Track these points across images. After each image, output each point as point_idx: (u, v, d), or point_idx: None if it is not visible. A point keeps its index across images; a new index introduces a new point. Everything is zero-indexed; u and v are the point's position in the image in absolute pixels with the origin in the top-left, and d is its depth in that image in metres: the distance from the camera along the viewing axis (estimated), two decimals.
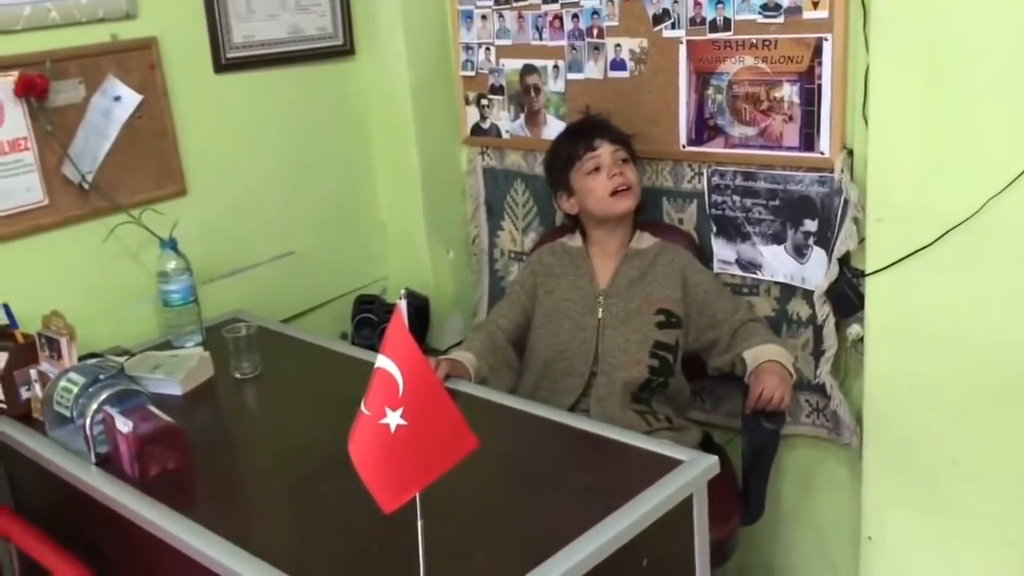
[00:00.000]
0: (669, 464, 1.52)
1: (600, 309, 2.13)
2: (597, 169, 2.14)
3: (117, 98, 2.18)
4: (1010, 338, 1.82)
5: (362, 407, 1.16)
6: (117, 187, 2.20)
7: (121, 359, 1.99)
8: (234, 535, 1.45)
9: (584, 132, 2.21)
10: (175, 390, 1.96)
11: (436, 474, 1.16)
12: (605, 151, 2.14)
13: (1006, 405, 1.85)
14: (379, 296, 2.72)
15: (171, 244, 2.18)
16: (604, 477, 1.56)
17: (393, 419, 1.14)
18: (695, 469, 1.51)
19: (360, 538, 1.44)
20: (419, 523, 1.20)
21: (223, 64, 2.39)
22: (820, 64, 2.02)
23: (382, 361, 1.15)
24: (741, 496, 2.06)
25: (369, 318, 2.60)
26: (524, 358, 2.21)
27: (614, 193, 2.12)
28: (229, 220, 2.46)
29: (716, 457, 1.54)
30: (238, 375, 2.04)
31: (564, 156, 2.21)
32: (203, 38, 2.36)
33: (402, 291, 1.16)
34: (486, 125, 2.68)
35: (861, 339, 2.05)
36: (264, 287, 2.54)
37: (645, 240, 2.21)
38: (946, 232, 1.82)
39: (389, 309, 2.63)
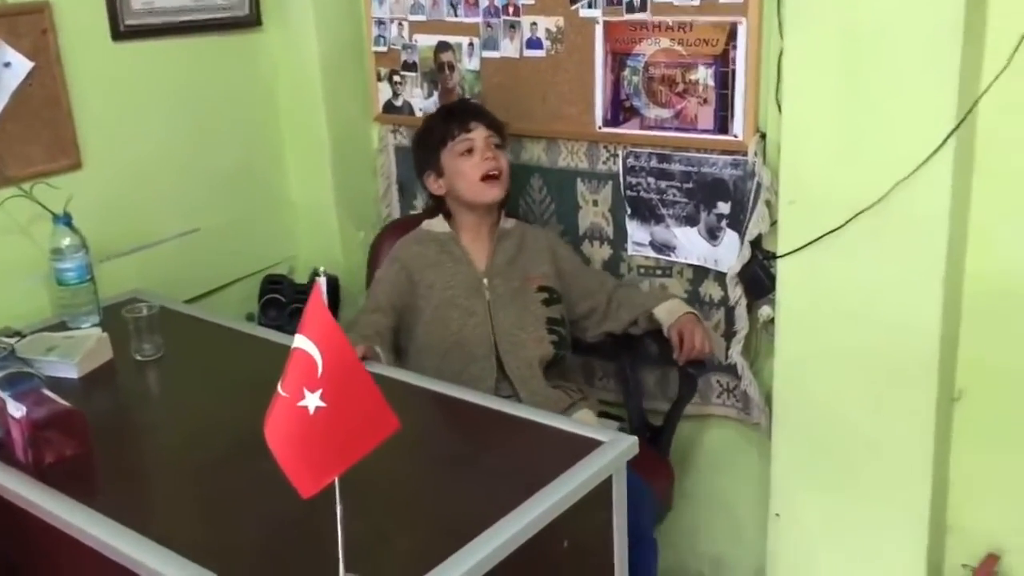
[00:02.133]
0: (589, 445, 1.51)
1: (486, 291, 2.11)
2: (470, 151, 2.12)
3: (7, 64, 2.06)
4: (913, 318, 1.86)
5: (279, 389, 1.11)
6: (7, 158, 2.08)
7: (11, 340, 1.88)
8: (138, 524, 1.38)
9: (459, 113, 2.19)
10: (71, 373, 1.86)
11: (356, 457, 1.12)
12: (479, 134, 2.13)
13: (910, 384, 1.90)
14: (287, 276, 2.64)
15: (65, 219, 2.07)
16: (524, 458, 1.55)
17: (312, 401, 1.09)
18: (614, 450, 1.50)
19: (273, 523, 1.39)
20: (338, 508, 1.16)
21: (121, 32, 2.28)
22: (735, 48, 2.04)
23: (300, 341, 1.10)
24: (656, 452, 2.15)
25: (277, 299, 2.52)
26: (409, 359, 2.12)
27: (485, 178, 2.10)
28: (128, 195, 2.35)
29: (635, 438, 1.54)
30: (139, 357, 1.95)
31: (437, 135, 2.17)
32: (100, 4, 2.24)
33: (320, 268, 1.11)
34: (399, 102, 2.62)
35: (772, 320, 2.09)
36: (166, 265, 2.44)
37: (508, 221, 2.22)
38: (855, 215, 1.86)
39: (298, 289, 2.56)
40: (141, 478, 1.61)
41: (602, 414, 2.20)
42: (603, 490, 1.49)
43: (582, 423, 1.67)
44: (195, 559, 1.28)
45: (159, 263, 2.43)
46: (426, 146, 2.20)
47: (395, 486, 1.45)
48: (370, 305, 2.12)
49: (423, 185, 2.24)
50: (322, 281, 1.10)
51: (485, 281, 2.12)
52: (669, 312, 2.08)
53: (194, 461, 1.62)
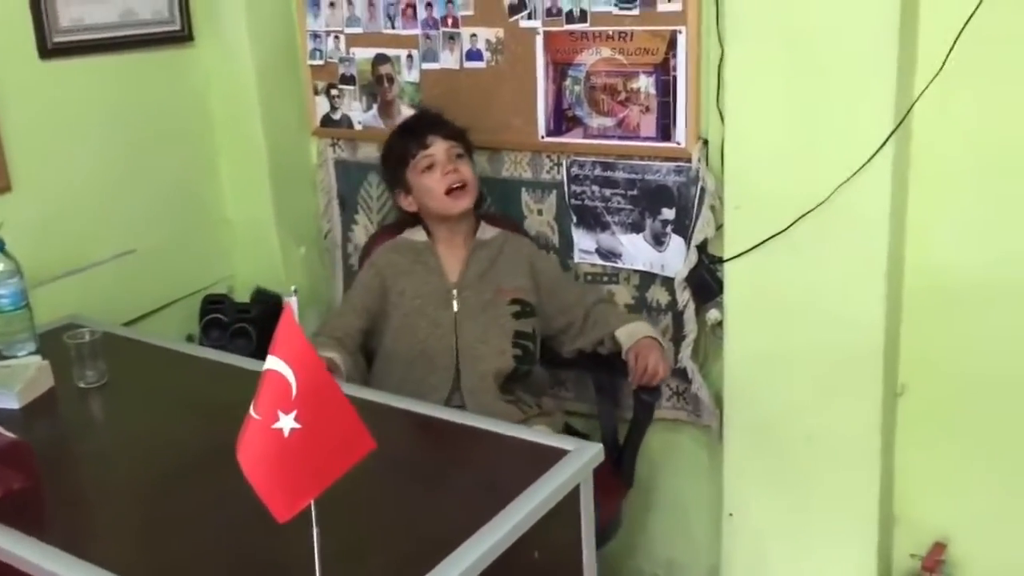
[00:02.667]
0: (555, 455, 1.51)
1: (455, 302, 2.11)
2: (431, 167, 2.11)
3: None
4: (858, 315, 1.92)
5: (251, 411, 1.09)
6: None
7: None
8: (94, 555, 1.33)
9: (416, 129, 2.18)
10: (11, 403, 1.79)
11: (332, 478, 1.11)
12: (439, 148, 2.12)
13: (856, 380, 1.96)
14: (228, 295, 2.59)
15: None
16: (491, 471, 1.54)
17: (287, 423, 1.07)
18: (581, 459, 1.50)
19: (236, 545, 1.36)
20: (314, 530, 1.14)
21: (49, 49, 2.21)
22: (675, 56, 2.07)
23: (272, 362, 1.08)
24: (614, 471, 2.12)
25: (218, 319, 2.47)
26: (376, 364, 2.13)
27: (449, 191, 2.10)
28: (61, 217, 2.27)
29: (600, 445, 1.54)
30: (82, 384, 1.88)
31: (398, 154, 2.17)
32: (26, 21, 2.17)
33: (293, 288, 1.09)
34: (337, 116, 2.60)
35: (720, 323, 2.12)
36: (102, 289, 2.36)
37: (488, 231, 2.21)
38: (800, 217, 1.90)
39: (240, 309, 2.51)
40: (93, 508, 1.55)
41: (567, 429, 2.19)
42: (571, 499, 1.49)
43: (545, 432, 1.67)
44: None
45: (95, 286, 2.35)
46: (390, 166, 2.20)
47: (364, 505, 1.42)
48: (344, 307, 2.17)
49: (395, 203, 2.24)
50: (293, 301, 1.08)
51: (455, 292, 2.11)
52: (629, 335, 2.05)
53: (148, 488, 1.56)
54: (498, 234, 2.21)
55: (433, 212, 2.14)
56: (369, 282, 2.15)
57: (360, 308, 2.11)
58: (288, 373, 1.07)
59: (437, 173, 2.10)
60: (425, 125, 2.18)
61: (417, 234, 2.20)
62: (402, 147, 2.16)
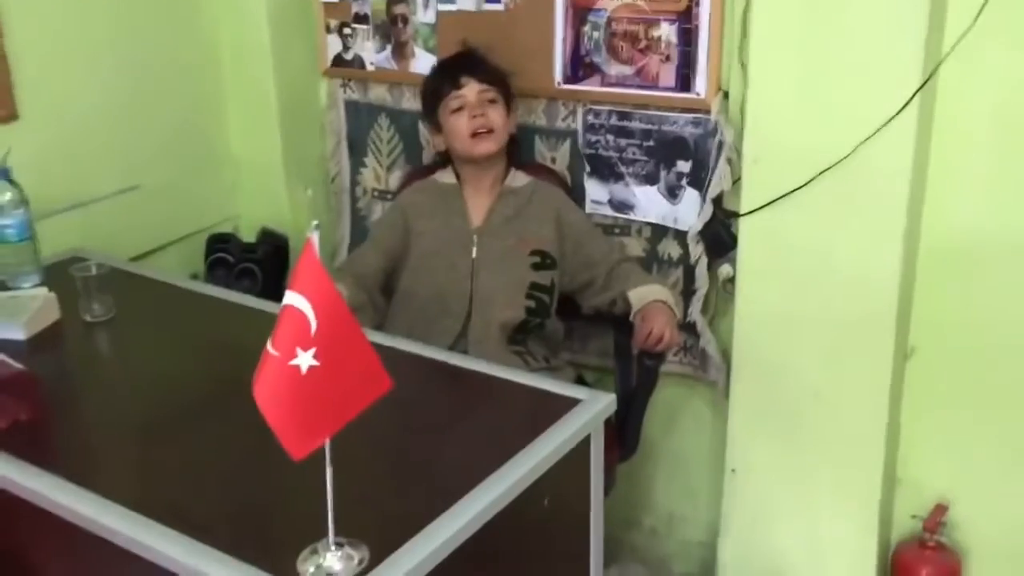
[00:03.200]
0: (567, 403, 1.50)
1: (474, 248, 2.08)
2: (460, 109, 2.08)
3: None
4: (872, 276, 1.90)
5: (268, 347, 1.07)
6: None
7: None
8: (103, 488, 1.33)
9: (452, 68, 2.14)
10: (18, 334, 1.78)
11: (348, 417, 1.09)
12: (471, 90, 2.08)
13: (867, 341, 1.94)
14: (234, 234, 2.57)
15: (3, 173, 1.96)
16: (503, 418, 1.54)
17: (305, 360, 1.05)
18: (593, 408, 1.50)
19: (248, 484, 1.36)
20: (328, 470, 1.13)
21: None
22: (698, 5, 2.03)
23: (291, 298, 1.05)
24: (617, 434, 2.09)
25: (224, 258, 2.45)
26: (393, 302, 2.13)
27: (475, 135, 2.07)
28: (66, 149, 2.24)
29: (612, 396, 1.53)
30: (88, 318, 1.87)
31: (432, 91, 2.15)
32: None
33: (315, 223, 1.07)
34: (349, 56, 2.55)
35: (731, 279, 2.10)
36: (106, 223, 2.33)
37: (520, 179, 2.17)
38: (819, 174, 1.87)
39: (246, 248, 2.49)
40: (104, 442, 1.54)
41: (579, 380, 2.15)
42: (582, 448, 1.48)
43: (559, 381, 1.65)
44: (171, 524, 1.24)
45: (99, 221, 2.32)
46: (425, 103, 2.18)
47: (376, 450, 1.42)
48: (367, 245, 2.17)
49: (429, 140, 2.23)
50: (315, 237, 1.05)
51: (475, 237, 2.08)
52: (640, 296, 1.98)
53: (155, 422, 1.55)
54: (529, 182, 2.16)
55: (459, 154, 2.12)
56: (393, 221, 2.15)
57: (382, 246, 2.11)
58: (308, 309, 1.05)
59: (465, 116, 2.07)
60: (462, 65, 2.14)
61: (447, 176, 2.17)
62: (436, 85, 2.13)
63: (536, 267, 2.08)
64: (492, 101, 2.10)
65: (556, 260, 2.11)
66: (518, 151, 2.22)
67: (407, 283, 2.10)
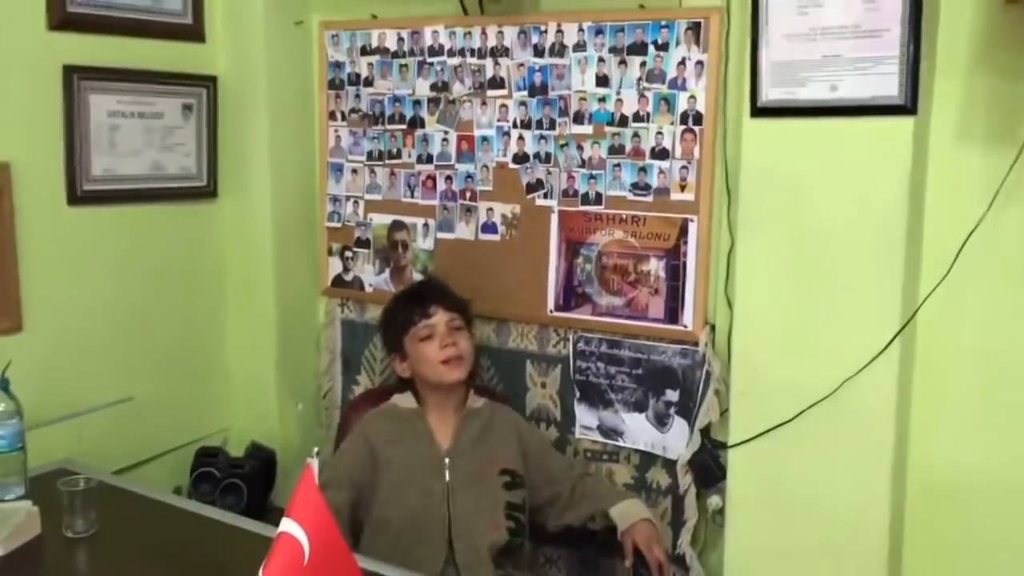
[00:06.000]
0: None
1: (447, 471, 2.08)
2: (430, 337, 2.13)
3: None
4: (860, 510, 1.91)
5: (260, 575, 1.06)
6: None
7: None
8: None
9: (419, 297, 2.21)
10: None
11: None
12: (440, 319, 2.15)
13: (858, 573, 1.91)
14: (222, 448, 2.56)
15: (3, 384, 1.98)
16: None
17: None
18: None
19: None
20: None
21: (78, 196, 2.28)
22: (686, 243, 2.14)
23: (287, 525, 1.06)
24: None
25: (210, 472, 2.43)
26: (365, 534, 2.07)
27: (446, 362, 2.11)
28: (66, 360, 2.28)
29: None
30: (70, 534, 1.83)
31: (399, 320, 2.20)
32: (59, 168, 2.25)
33: (315, 449, 1.08)
34: (348, 277, 2.64)
35: (721, 510, 2.10)
36: (96, 434, 2.34)
37: (478, 401, 2.22)
38: (805, 409, 1.91)
39: (233, 463, 2.47)
40: None
41: None
42: None
43: None
44: None
45: (89, 432, 2.33)
46: (390, 329, 2.23)
47: None
48: (329, 479, 2.04)
49: (392, 366, 2.25)
50: (314, 463, 1.07)
51: (447, 461, 2.09)
52: (624, 515, 2.04)
53: None
54: (486, 403, 2.21)
55: (427, 380, 2.15)
56: (357, 452, 2.11)
57: (347, 481, 2.05)
58: (303, 539, 1.05)
59: (435, 344, 2.12)
60: (429, 294, 2.21)
61: (406, 400, 2.19)
62: (405, 314, 2.18)
63: (508, 487, 2.09)
64: (459, 328, 2.16)
65: (524, 478, 2.12)
66: (476, 374, 2.27)
67: (379, 512, 2.06)
